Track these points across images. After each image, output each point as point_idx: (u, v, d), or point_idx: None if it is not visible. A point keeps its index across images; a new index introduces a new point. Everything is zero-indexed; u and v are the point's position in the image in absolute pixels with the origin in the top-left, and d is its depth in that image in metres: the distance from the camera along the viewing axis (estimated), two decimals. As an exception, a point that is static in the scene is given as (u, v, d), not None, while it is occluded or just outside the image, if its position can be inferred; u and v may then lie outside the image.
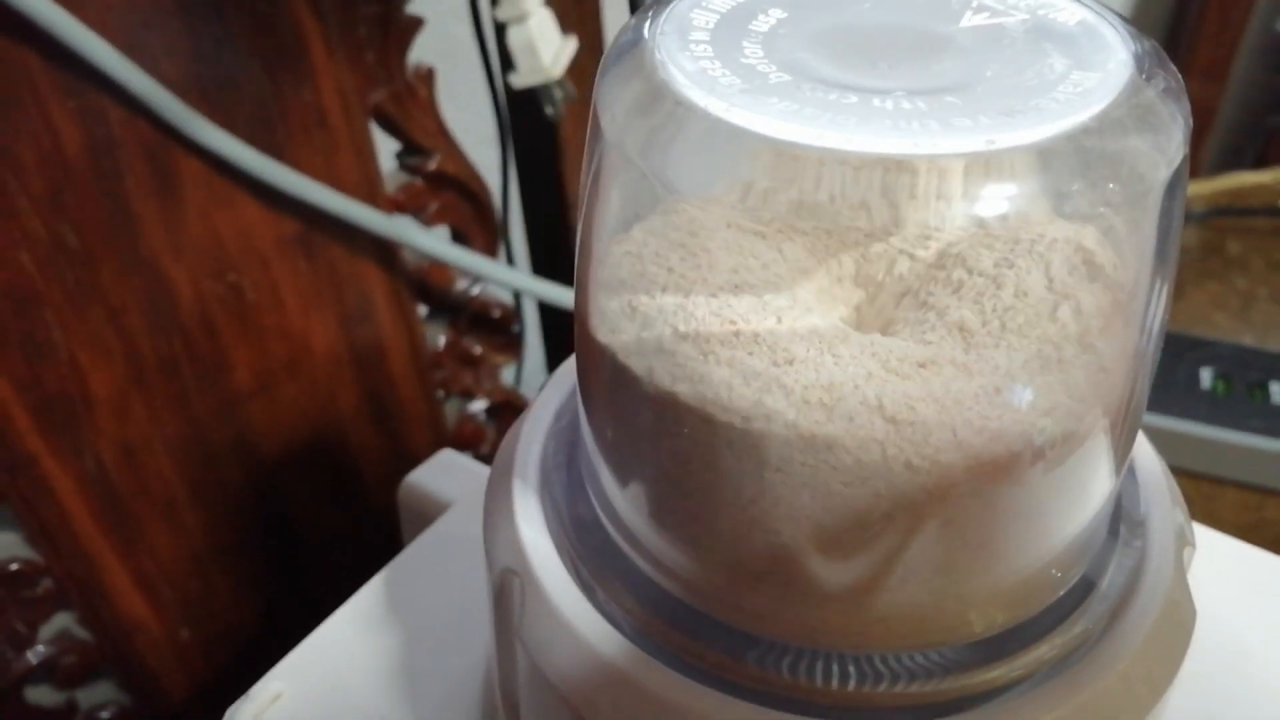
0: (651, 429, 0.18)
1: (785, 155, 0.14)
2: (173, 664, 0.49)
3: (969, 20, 0.17)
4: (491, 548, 0.21)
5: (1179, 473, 0.53)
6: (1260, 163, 0.84)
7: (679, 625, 0.19)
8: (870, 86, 0.16)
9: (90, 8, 0.35)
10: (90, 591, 0.44)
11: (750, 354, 0.16)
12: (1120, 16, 0.17)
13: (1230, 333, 0.64)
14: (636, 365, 0.17)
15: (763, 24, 0.17)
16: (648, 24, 0.17)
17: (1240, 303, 0.66)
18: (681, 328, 0.17)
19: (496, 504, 0.22)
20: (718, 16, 0.17)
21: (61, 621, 0.45)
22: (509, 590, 0.20)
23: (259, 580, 0.51)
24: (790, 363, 0.16)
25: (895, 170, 0.14)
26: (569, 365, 0.25)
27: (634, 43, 0.17)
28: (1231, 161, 0.88)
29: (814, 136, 0.14)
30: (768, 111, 0.15)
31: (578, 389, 0.21)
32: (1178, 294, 0.67)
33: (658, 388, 0.17)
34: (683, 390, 0.17)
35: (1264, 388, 0.56)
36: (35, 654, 0.45)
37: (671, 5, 0.18)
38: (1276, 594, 0.28)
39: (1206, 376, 0.56)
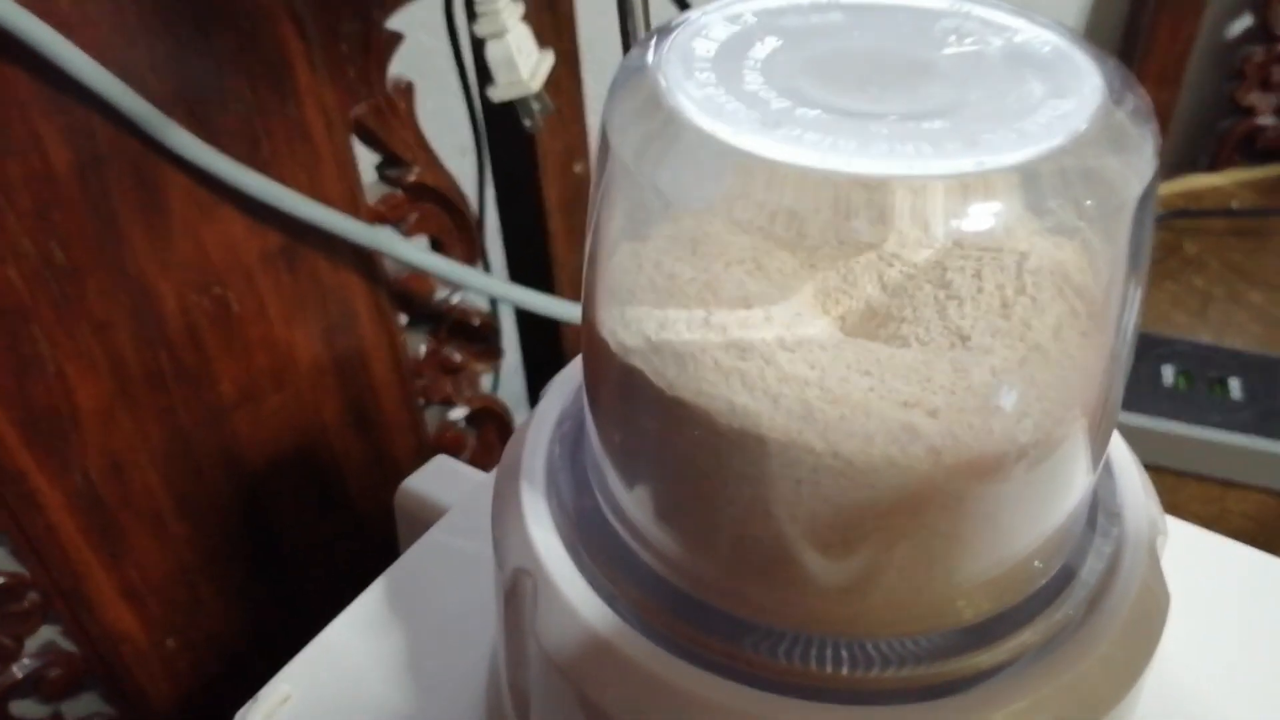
0: (658, 431, 0.19)
1: (791, 177, 0.15)
2: (159, 674, 0.49)
3: (951, 47, 0.18)
4: (502, 548, 0.22)
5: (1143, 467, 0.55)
6: (1214, 166, 0.86)
7: (683, 616, 0.20)
8: (864, 111, 0.17)
9: (79, 27, 0.35)
10: (76, 604, 0.44)
11: (752, 361, 0.17)
12: (1081, 37, 0.19)
13: (1189, 331, 0.65)
14: (645, 370, 0.18)
15: (760, 51, 0.18)
16: (651, 51, 0.18)
17: (1198, 302, 0.68)
18: (688, 336, 0.18)
19: (505, 507, 0.22)
20: (717, 45, 0.18)
21: (47, 634, 0.46)
22: (521, 588, 0.21)
23: (245, 589, 0.52)
24: (789, 368, 0.17)
25: (893, 190, 0.15)
26: (567, 372, 0.26)
27: (639, 69, 0.18)
28: (1187, 165, 0.90)
29: (817, 160, 0.15)
30: (773, 136, 0.16)
31: (584, 393, 0.22)
32: (1137, 294, 0.69)
33: (664, 392, 0.18)
34: (688, 395, 0.18)
35: (1223, 383, 0.57)
36: (21, 667, 0.45)
37: (674, 34, 0.19)
38: (1240, 579, 0.29)
39: (1168, 373, 0.58)
